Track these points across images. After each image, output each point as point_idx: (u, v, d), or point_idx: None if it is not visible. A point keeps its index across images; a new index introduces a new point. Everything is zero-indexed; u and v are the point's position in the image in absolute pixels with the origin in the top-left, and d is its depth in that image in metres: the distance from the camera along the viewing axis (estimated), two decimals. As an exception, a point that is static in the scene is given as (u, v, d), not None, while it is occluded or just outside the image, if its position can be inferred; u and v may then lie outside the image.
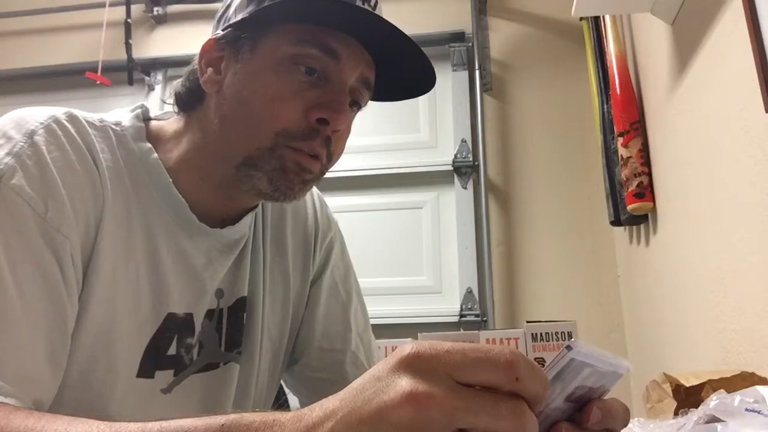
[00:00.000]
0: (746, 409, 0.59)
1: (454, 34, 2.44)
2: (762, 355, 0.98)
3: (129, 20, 2.52)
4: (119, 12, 2.53)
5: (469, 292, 2.19)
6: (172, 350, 0.69)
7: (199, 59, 0.70)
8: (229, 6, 0.70)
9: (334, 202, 2.28)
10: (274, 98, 0.64)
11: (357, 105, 0.71)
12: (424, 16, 2.46)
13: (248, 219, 0.76)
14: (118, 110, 0.72)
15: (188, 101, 0.71)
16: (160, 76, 2.61)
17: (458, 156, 2.32)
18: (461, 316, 2.16)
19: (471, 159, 2.31)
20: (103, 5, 2.49)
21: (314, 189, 0.87)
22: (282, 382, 0.91)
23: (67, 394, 0.60)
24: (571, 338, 0.98)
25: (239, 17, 0.67)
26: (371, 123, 2.40)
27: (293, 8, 0.64)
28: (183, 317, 0.70)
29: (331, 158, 0.69)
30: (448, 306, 2.20)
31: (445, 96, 2.43)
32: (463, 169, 2.32)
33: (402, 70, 0.70)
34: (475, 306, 2.17)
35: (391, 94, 0.75)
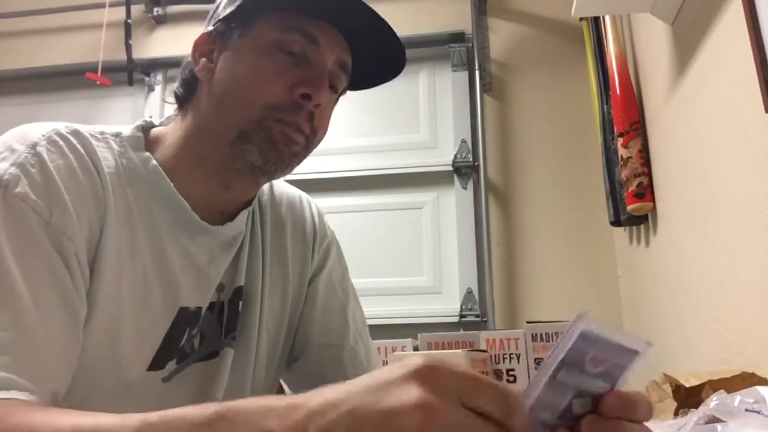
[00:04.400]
0: (746, 410, 0.59)
1: (453, 34, 2.43)
2: (762, 355, 0.98)
3: (129, 21, 2.52)
4: (119, 12, 2.53)
5: (469, 292, 2.19)
6: (183, 342, 0.73)
7: (193, 52, 0.76)
8: (219, 5, 0.77)
9: (335, 202, 2.31)
10: (261, 77, 0.71)
11: (334, 89, 0.76)
12: (424, 16, 2.46)
13: (244, 216, 0.80)
14: (120, 125, 0.76)
15: (185, 93, 0.77)
16: (160, 77, 2.61)
17: (458, 156, 2.32)
18: (461, 316, 2.16)
19: (471, 159, 2.31)
20: (103, 5, 2.49)
21: (313, 201, 0.93)
22: (285, 386, 0.92)
23: (75, 389, 0.62)
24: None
25: (228, 11, 0.74)
26: (371, 123, 2.40)
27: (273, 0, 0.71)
28: (194, 311, 0.74)
29: (316, 133, 0.75)
30: (448, 306, 2.20)
31: (445, 96, 2.42)
32: (463, 170, 2.32)
33: (375, 54, 0.77)
34: (475, 306, 2.17)
35: (366, 83, 0.81)
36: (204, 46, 0.75)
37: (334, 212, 2.53)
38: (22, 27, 2.75)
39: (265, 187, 0.86)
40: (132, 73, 2.47)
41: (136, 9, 2.62)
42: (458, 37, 2.43)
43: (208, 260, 0.75)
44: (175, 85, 0.79)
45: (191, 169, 0.74)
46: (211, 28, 0.75)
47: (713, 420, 0.61)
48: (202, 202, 0.74)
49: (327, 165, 2.29)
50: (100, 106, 2.56)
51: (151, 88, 2.59)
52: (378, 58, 0.78)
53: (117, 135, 0.73)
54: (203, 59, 0.74)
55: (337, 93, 0.78)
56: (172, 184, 0.72)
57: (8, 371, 0.53)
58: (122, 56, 2.47)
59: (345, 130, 2.37)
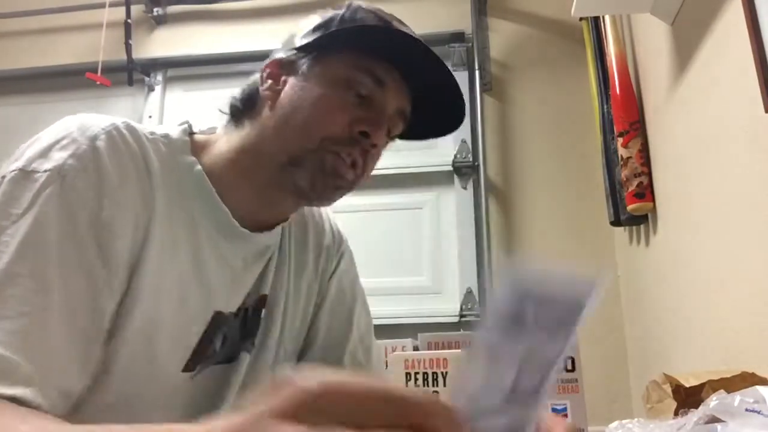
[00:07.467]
0: (746, 410, 0.59)
1: (454, 34, 2.43)
2: (762, 355, 0.98)
3: (129, 21, 2.52)
4: (119, 12, 2.53)
5: (469, 292, 2.19)
6: (216, 345, 0.75)
7: (262, 71, 0.78)
8: (294, 36, 0.79)
9: (336, 202, 2.30)
10: (325, 109, 0.73)
11: (390, 134, 0.79)
12: (424, 16, 2.46)
13: (279, 229, 0.83)
14: (165, 125, 0.79)
15: (244, 107, 0.79)
16: (159, 77, 2.61)
17: (458, 156, 2.32)
18: (461, 316, 2.16)
19: (471, 159, 2.31)
20: (103, 5, 2.49)
21: (329, 211, 0.96)
22: None
23: (111, 386, 0.65)
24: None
25: (304, 42, 0.76)
26: (371, 123, 2.40)
27: (350, 38, 0.74)
28: (227, 315, 0.76)
29: (365, 171, 0.77)
30: (447, 306, 2.20)
31: (445, 96, 2.42)
32: (463, 170, 2.31)
33: (435, 107, 0.80)
34: (475, 306, 2.16)
35: (418, 134, 0.84)
36: (273, 69, 0.77)
37: (335, 212, 2.53)
38: (22, 27, 2.75)
39: None
40: (132, 73, 2.47)
41: (136, 9, 2.62)
42: (458, 37, 2.43)
43: (242, 266, 0.78)
44: (232, 96, 0.81)
45: (237, 180, 0.76)
46: (283, 55, 0.78)
47: (713, 420, 0.61)
48: (242, 212, 0.76)
49: (327, 165, 2.29)
50: (100, 106, 2.56)
51: (151, 88, 2.59)
52: (437, 111, 0.81)
53: (165, 137, 0.74)
54: (270, 81, 0.77)
55: (390, 138, 0.80)
56: (215, 190, 0.74)
57: (17, 354, 0.54)
58: (122, 56, 2.47)
59: (345, 130, 2.37)
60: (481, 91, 2.35)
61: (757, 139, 0.98)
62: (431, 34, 2.40)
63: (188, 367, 0.72)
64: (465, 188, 2.30)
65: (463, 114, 0.81)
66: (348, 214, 2.31)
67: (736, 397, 0.61)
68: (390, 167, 2.34)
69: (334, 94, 0.73)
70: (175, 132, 0.76)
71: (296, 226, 0.88)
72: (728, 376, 0.81)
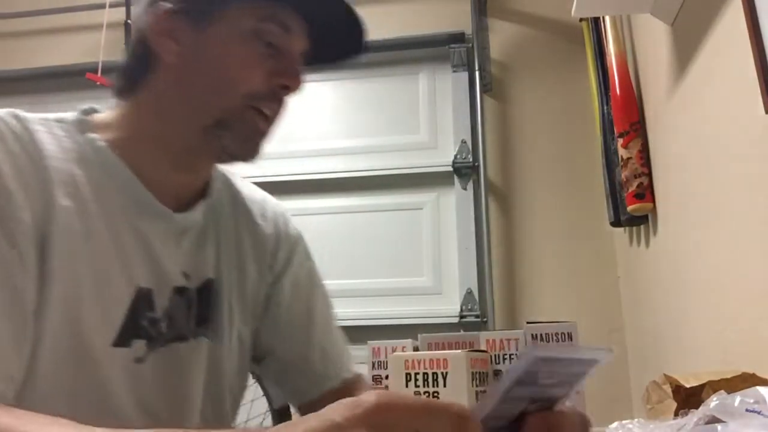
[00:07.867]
0: (746, 410, 0.59)
1: (453, 35, 2.43)
2: (762, 356, 0.98)
3: (129, 21, 2.52)
4: (119, 13, 2.53)
5: (469, 292, 2.19)
6: (143, 321, 0.73)
7: (151, 29, 0.74)
8: None
9: (335, 203, 2.31)
10: (242, 65, 0.72)
11: None
12: (424, 17, 2.46)
13: (202, 207, 0.80)
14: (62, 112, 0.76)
15: (138, 72, 0.76)
16: (160, 77, 2.61)
17: (458, 157, 2.32)
18: (461, 317, 2.16)
19: (471, 160, 2.31)
20: (103, 6, 2.49)
21: (276, 203, 0.93)
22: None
23: (42, 368, 0.64)
24: (572, 339, 0.98)
25: None
26: (372, 124, 2.40)
27: None
28: (147, 291, 0.74)
29: (280, 116, 0.78)
30: (448, 307, 2.20)
31: (445, 97, 2.43)
32: (463, 170, 2.32)
33: (336, 37, 0.80)
34: (475, 307, 2.17)
35: (320, 60, 0.82)
36: (163, 24, 0.73)
37: (334, 213, 2.53)
38: (22, 27, 2.75)
39: (227, 184, 0.87)
40: (132, 73, 2.47)
41: (136, 9, 2.62)
42: (458, 38, 2.43)
43: (161, 243, 0.75)
44: (121, 62, 0.78)
45: (146, 150, 0.74)
46: (172, 5, 0.72)
47: (713, 420, 0.61)
48: (155, 183, 0.74)
49: (327, 165, 2.26)
50: (100, 106, 2.55)
51: (151, 89, 2.59)
52: (338, 39, 0.80)
53: (60, 120, 0.73)
54: (168, 40, 0.73)
55: None
56: (124, 163, 0.73)
57: None
58: (122, 56, 2.47)
59: (345, 131, 2.36)
60: (481, 92, 2.35)
61: (757, 139, 0.98)
62: (431, 35, 2.41)
63: (121, 342, 0.70)
64: (465, 189, 2.30)
65: (363, 33, 0.79)
66: (348, 215, 2.32)
67: (737, 398, 0.61)
68: (390, 167, 2.34)
69: (247, 48, 0.72)
70: (70, 114, 0.75)
71: (231, 208, 0.85)
72: (728, 376, 0.81)
